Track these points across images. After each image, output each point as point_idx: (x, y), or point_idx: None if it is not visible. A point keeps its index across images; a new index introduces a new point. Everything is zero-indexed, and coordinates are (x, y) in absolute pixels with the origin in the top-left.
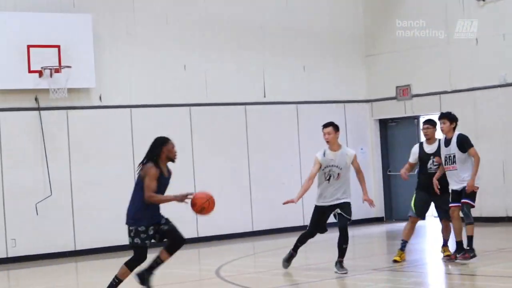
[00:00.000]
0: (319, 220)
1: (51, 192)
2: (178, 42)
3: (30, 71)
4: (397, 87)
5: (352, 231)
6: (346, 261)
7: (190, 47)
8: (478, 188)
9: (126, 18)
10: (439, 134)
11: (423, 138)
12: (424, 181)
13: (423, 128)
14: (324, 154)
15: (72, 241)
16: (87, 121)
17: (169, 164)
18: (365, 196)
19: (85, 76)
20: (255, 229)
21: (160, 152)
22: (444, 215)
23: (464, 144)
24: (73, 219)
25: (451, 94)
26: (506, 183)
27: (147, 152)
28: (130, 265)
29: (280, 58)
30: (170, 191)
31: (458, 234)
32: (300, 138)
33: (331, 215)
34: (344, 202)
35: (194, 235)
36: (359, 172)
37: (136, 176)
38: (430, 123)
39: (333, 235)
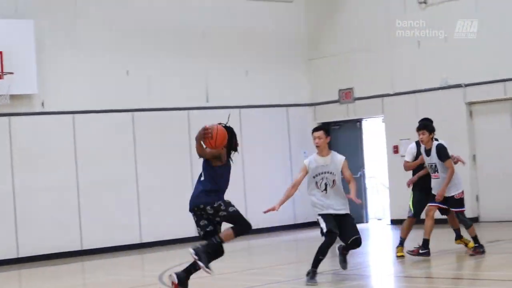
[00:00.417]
0: (332, 223)
1: None
2: (120, 48)
3: None
4: (339, 90)
5: (293, 235)
6: (289, 266)
7: (132, 52)
8: (463, 193)
9: (68, 24)
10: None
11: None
12: (421, 181)
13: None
14: (314, 160)
15: (15, 248)
16: (30, 127)
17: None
18: (352, 196)
19: (28, 82)
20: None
21: None
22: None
23: (442, 155)
24: (15, 226)
25: (394, 96)
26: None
27: None
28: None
29: (222, 63)
30: (109, 197)
31: (427, 232)
32: (243, 142)
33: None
34: (346, 215)
35: (138, 241)
36: (350, 182)
37: None
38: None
39: (278, 239)
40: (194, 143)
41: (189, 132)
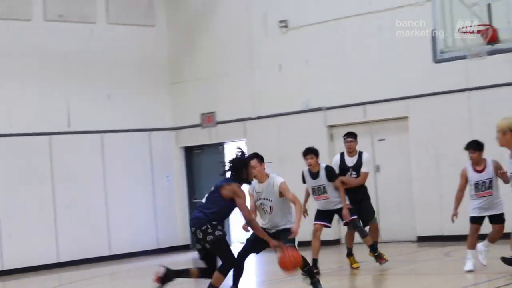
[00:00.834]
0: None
1: None
2: None
3: None
4: (202, 114)
5: (158, 259)
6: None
7: None
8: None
9: None
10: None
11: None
12: (349, 194)
13: (346, 142)
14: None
15: None
16: None
17: None
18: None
19: None
20: (61, 260)
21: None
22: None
23: (332, 176)
24: None
25: (256, 120)
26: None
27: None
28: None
29: (84, 87)
30: None
31: (315, 252)
32: (105, 167)
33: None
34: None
35: None
36: (293, 203)
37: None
38: (352, 136)
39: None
40: (56, 168)
41: (51, 157)
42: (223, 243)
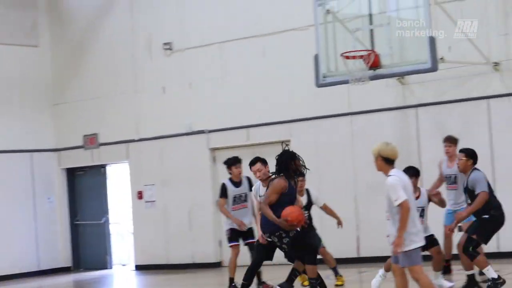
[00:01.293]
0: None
1: None
2: None
3: None
4: (84, 136)
5: (38, 282)
6: None
7: None
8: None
9: None
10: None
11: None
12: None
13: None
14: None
15: None
16: None
17: None
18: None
19: None
20: None
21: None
22: None
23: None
24: None
25: (139, 142)
26: (192, 230)
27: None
28: None
29: None
30: None
31: (232, 271)
32: None
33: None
34: None
35: None
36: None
37: None
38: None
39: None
40: None
41: None
42: (299, 239)
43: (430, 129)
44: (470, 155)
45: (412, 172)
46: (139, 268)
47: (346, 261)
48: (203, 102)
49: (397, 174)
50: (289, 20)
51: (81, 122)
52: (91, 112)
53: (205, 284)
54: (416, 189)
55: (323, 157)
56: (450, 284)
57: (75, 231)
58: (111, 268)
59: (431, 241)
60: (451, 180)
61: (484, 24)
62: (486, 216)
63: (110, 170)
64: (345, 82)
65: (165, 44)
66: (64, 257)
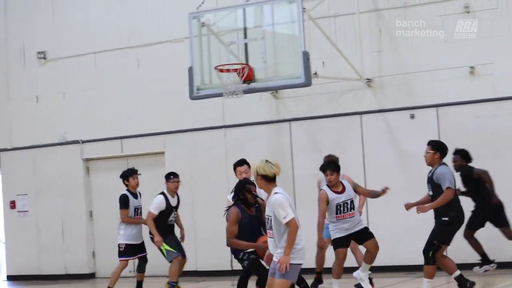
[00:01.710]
0: None
1: None
2: None
3: None
4: None
5: None
6: None
7: None
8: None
9: None
10: None
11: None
12: (168, 228)
13: (174, 182)
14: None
15: None
16: None
17: None
18: None
19: None
20: None
21: None
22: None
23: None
24: None
25: (11, 151)
26: (65, 241)
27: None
28: None
29: None
30: None
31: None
32: None
33: None
34: None
35: None
36: None
37: None
38: (177, 176)
39: None
40: None
41: None
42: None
43: (303, 143)
44: (437, 147)
45: (333, 168)
46: (10, 278)
47: (219, 274)
48: (77, 112)
49: (281, 192)
50: (164, 32)
51: None
52: None
53: None
54: (338, 184)
55: (196, 170)
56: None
57: None
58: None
59: (365, 234)
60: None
61: (357, 41)
62: (446, 219)
63: None
64: (219, 95)
65: (39, 53)
66: None
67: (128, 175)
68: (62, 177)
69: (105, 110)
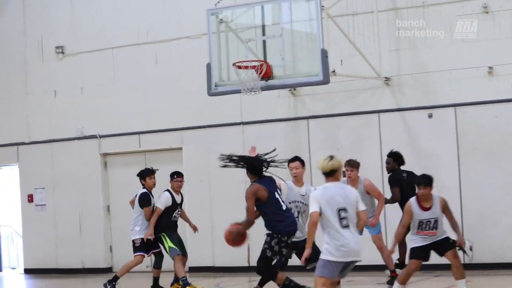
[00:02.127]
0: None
1: None
2: None
3: None
4: None
5: None
6: None
7: None
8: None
9: None
10: None
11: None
12: (173, 224)
13: (177, 181)
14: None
15: None
16: None
17: None
18: None
19: None
20: None
21: None
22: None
23: (141, 203)
24: None
25: (29, 145)
26: (82, 235)
27: None
28: None
29: None
30: None
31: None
32: None
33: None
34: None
35: None
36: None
37: None
38: (182, 175)
39: None
40: None
41: None
42: None
43: (321, 140)
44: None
45: (424, 181)
46: (28, 271)
47: (236, 270)
48: (95, 107)
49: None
50: (182, 28)
51: None
52: None
53: None
54: (429, 200)
55: (214, 166)
56: None
57: None
58: (1, 271)
59: (446, 244)
60: None
61: (375, 40)
62: None
63: (0, 173)
64: (237, 91)
65: (57, 47)
66: None
67: (145, 174)
68: (80, 171)
69: (123, 105)
